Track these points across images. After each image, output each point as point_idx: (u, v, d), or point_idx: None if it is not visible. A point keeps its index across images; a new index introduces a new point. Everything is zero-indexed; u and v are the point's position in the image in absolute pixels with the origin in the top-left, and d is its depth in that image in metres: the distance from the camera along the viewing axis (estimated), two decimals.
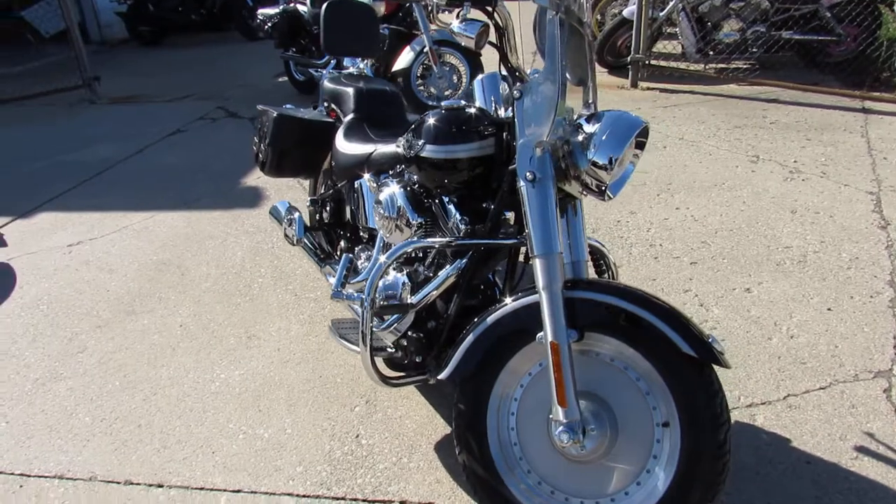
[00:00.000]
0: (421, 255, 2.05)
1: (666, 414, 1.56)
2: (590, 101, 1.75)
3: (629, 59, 5.95)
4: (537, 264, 1.58)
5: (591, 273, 1.89)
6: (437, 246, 1.83)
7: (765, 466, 1.94)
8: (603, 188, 1.67)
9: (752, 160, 4.15)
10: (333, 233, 2.72)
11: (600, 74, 6.38)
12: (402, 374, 2.01)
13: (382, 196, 2.07)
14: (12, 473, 2.12)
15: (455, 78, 5.38)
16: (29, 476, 2.10)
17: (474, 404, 1.71)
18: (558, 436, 1.54)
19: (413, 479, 1.99)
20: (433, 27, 5.20)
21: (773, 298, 2.73)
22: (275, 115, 2.60)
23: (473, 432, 1.71)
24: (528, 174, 1.60)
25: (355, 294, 1.94)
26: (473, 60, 5.29)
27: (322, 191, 2.79)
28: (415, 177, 1.97)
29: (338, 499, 1.94)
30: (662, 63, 6.32)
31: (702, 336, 1.50)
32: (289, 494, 1.96)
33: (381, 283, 1.94)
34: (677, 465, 1.53)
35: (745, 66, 6.15)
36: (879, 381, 2.24)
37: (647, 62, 5.97)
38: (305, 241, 2.60)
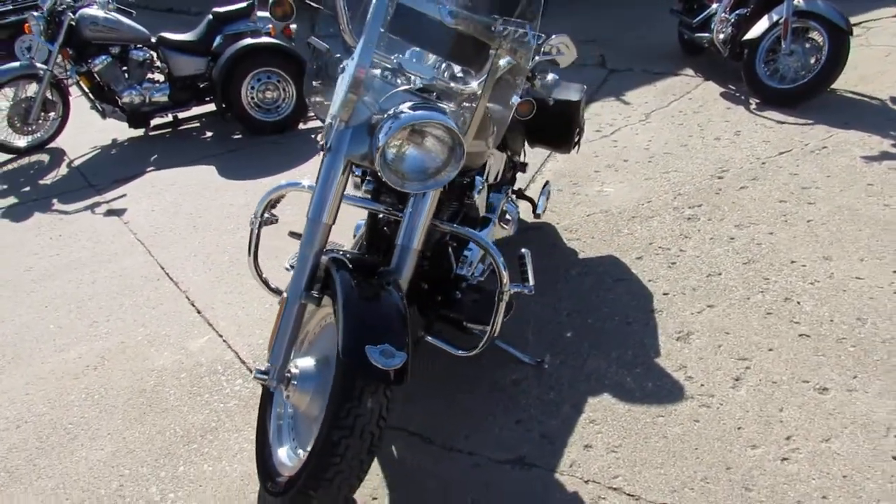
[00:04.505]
0: None
1: None
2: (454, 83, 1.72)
3: None
4: (306, 227, 1.72)
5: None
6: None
7: None
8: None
9: None
10: None
11: None
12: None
13: None
14: (169, 278, 3.17)
15: (813, 59, 4.50)
16: (170, 277, 3.14)
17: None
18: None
19: None
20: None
21: (841, 411, 1.98)
22: None
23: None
24: (321, 143, 1.71)
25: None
26: (838, 40, 4.33)
27: None
28: None
29: (249, 371, 2.42)
30: None
31: (361, 344, 1.47)
32: (235, 353, 2.53)
33: None
34: (310, 449, 1.58)
35: None
36: None
37: None
38: None
